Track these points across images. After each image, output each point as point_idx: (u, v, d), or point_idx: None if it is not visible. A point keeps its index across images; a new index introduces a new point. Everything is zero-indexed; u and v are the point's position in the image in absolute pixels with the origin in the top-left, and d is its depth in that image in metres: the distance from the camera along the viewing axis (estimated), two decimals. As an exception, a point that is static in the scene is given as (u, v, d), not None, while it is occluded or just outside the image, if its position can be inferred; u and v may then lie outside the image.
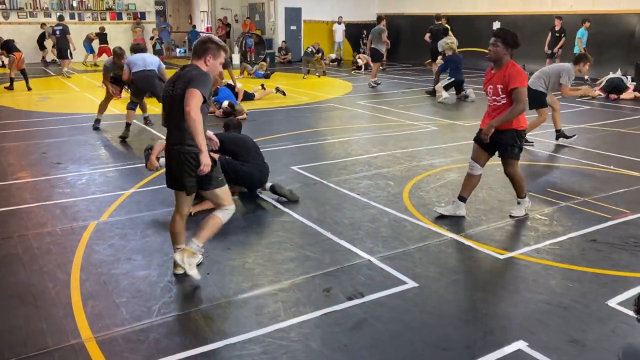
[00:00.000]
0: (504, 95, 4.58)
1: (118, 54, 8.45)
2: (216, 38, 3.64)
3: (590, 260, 4.10)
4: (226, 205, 3.70)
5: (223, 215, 3.70)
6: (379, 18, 15.00)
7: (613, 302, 3.43)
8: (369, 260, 4.05)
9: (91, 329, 3.12)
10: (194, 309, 3.37)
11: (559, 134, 7.87)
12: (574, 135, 7.86)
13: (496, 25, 18.25)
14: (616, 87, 12.28)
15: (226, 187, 3.71)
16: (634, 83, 12.72)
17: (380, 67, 15.26)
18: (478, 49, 19.12)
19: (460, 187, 4.96)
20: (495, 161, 4.70)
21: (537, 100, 7.27)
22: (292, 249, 4.26)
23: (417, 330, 3.17)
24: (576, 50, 14.20)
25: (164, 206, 5.07)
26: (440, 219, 4.87)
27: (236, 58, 21.03)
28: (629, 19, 15.17)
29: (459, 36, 20.15)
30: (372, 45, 14.22)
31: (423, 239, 4.45)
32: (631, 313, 2.89)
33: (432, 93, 12.65)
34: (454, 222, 4.83)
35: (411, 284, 3.69)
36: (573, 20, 15.87)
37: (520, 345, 2.99)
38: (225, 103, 9.84)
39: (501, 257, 4.14)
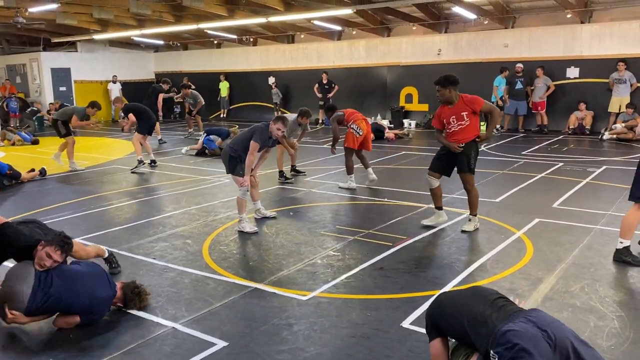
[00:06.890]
0: (467, 119, 5.60)
1: None
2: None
3: (381, 287, 4.45)
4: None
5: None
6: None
7: (406, 323, 3.75)
8: (174, 327, 3.79)
9: None
10: None
11: (293, 168, 9.18)
12: (291, 180, 8.82)
13: (271, 80, 19.41)
14: (378, 130, 13.88)
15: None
16: (392, 125, 14.62)
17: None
18: (255, 102, 20.18)
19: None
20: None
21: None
22: (84, 333, 3.77)
23: (233, 391, 3.03)
24: (493, 99, 14.12)
25: None
26: (242, 269, 4.85)
27: (-5, 124, 18.62)
28: (381, 71, 17.51)
29: (235, 90, 21.12)
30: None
31: (227, 294, 4.35)
32: (422, 330, 3.19)
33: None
34: (256, 271, 4.84)
35: (220, 344, 3.54)
36: (338, 73, 17.81)
37: (334, 383, 3.05)
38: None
39: (304, 298, 4.24)
